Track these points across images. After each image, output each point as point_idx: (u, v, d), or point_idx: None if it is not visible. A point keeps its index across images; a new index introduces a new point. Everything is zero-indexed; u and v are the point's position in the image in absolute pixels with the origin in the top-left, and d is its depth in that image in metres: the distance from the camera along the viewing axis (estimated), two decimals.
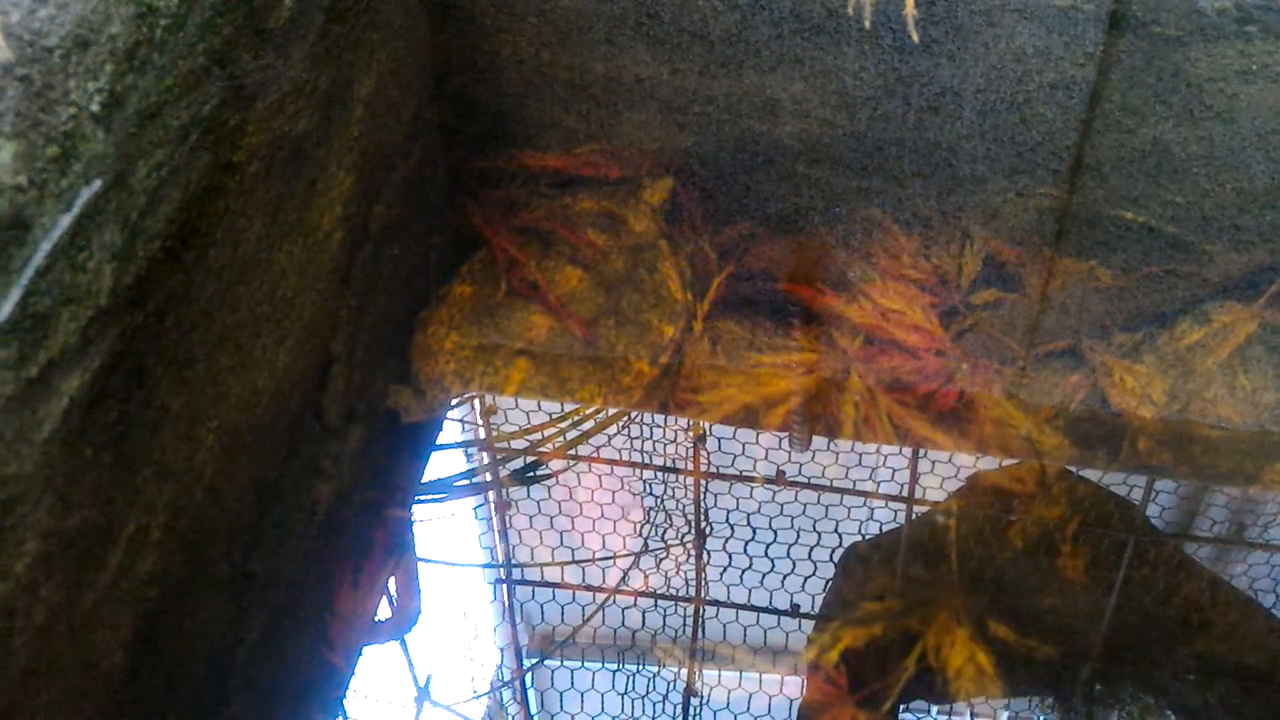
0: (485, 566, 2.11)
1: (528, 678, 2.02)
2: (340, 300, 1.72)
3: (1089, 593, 1.90)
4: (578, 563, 2.04)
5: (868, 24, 1.82)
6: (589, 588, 2.01)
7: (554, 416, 2.09)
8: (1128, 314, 2.02)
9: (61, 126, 1.11)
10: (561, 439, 2.08)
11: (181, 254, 1.29)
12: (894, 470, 2.06)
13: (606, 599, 1.99)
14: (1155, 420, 1.91)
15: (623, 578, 2.01)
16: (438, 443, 2.10)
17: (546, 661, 2.00)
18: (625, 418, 2.08)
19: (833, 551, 2.02)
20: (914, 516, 2.01)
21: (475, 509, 2.12)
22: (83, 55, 1.14)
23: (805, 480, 2.05)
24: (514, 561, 2.08)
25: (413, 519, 2.02)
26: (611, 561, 2.04)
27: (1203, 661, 1.84)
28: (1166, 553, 1.97)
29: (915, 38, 1.82)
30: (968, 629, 1.80)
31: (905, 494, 2.03)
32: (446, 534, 2.08)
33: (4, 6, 1.08)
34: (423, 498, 2.07)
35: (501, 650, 2.03)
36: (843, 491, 2.05)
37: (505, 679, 2.02)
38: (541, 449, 2.08)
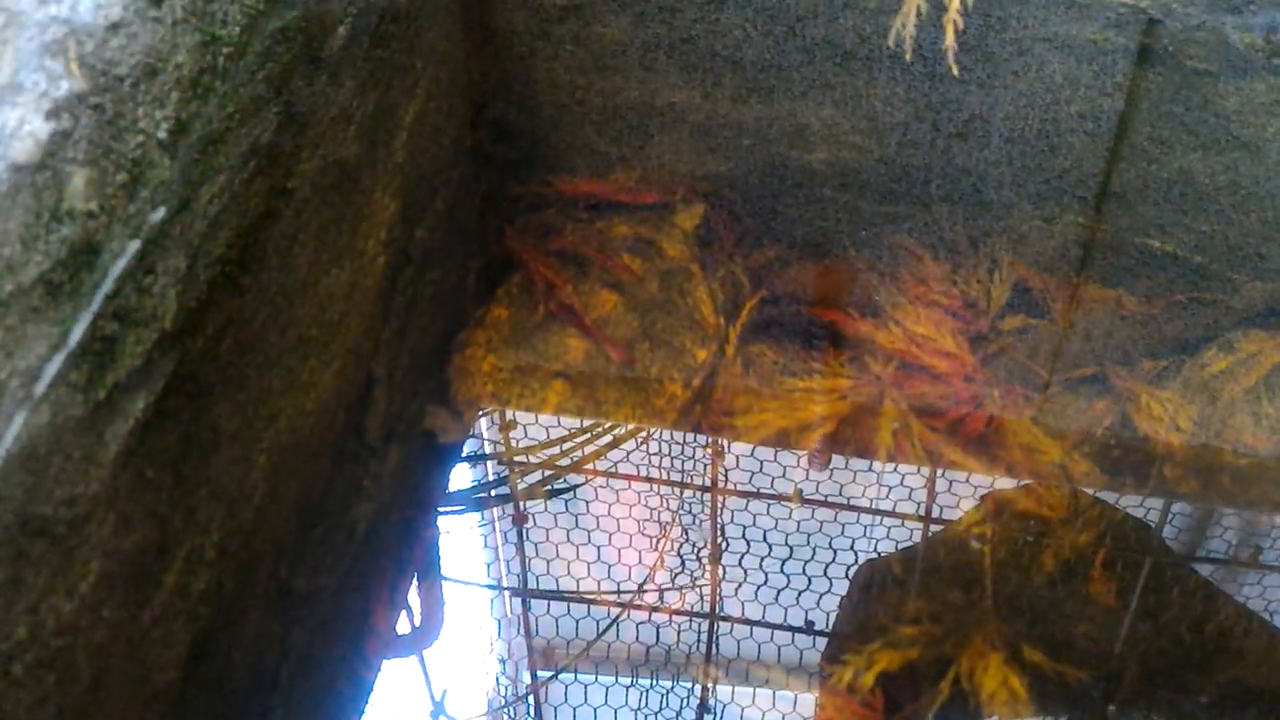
0: (498, 587, 2.12)
1: (541, 692, 2.03)
2: (383, 323, 1.74)
3: (1104, 615, 1.91)
4: (592, 578, 2.05)
5: (909, 56, 1.84)
6: (604, 602, 2.02)
7: (571, 431, 2.10)
8: (1153, 341, 2.04)
9: (130, 154, 1.13)
10: (579, 454, 2.09)
11: (239, 278, 1.31)
12: (911, 490, 2.08)
13: (621, 614, 2.01)
14: (1183, 447, 1.92)
15: (636, 592, 2.02)
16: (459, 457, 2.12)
17: (560, 676, 2.01)
18: (644, 434, 2.09)
19: (848, 569, 2.03)
20: (930, 535, 2.03)
21: (491, 523, 2.13)
22: (151, 84, 1.16)
23: (822, 498, 2.07)
24: (530, 575, 2.09)
25: (439, 534, 2.04)
26: (626, 576, 2.05)
27: (1230, 687, 1.85)
28: (1184, 575, 1.98)
29: (955, 71, 1.85)
30: (987, 648, 1.81)
31: (922, 513, 2.05)
32: (463, 548, 2.10)
33: (79, 36, 1.10)
34: (443, 511, 2.08)
35: (517, 665, 2.04)
36: (860, 510, 2.07)
37: (517, 693, 2.03)
38: (559, 463, 2.10)
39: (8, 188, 1.01)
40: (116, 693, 1.21)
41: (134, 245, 1.14)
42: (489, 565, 2.13)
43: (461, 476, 2.14)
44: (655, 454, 2.12)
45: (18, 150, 1.03)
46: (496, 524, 2.13)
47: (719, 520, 2.08)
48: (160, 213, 1.17)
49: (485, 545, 2.13)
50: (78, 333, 1.08)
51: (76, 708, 1.14)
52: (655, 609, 2.00)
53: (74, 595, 1.12)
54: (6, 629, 1.03)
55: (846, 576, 2.02)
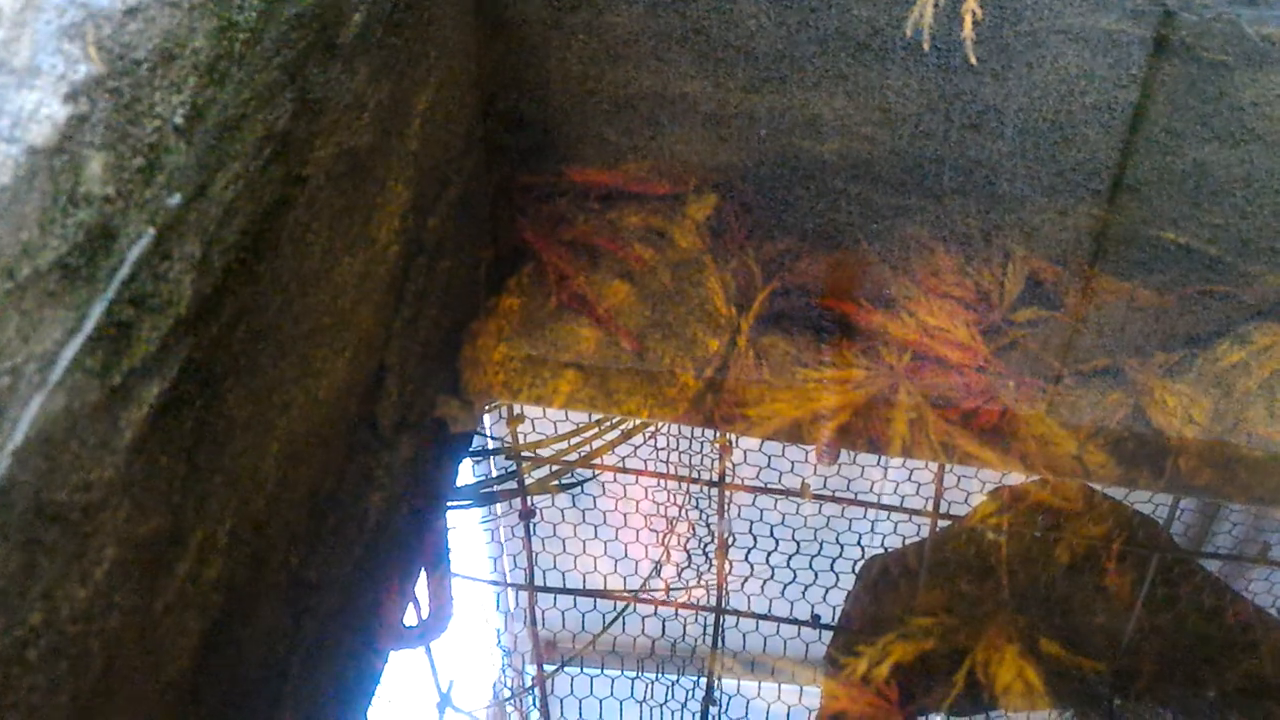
0: (503, 583, 2.11)
1: (547, 684, 2.02)
2: (395, 312, 1.74)
3: (1118, 608, 1.91)
4: (599, 572, 2.05)
5: (926, 46, 1.84)
6: (611, 595, 2.01)
7: (579, 426, 2.10)
8: (1167, 334, 2.03)
9: (147, 138, 1.13)
10: (587, 448, 2.09)
11: (253, 266, 1.31)
12: (919, 485, 2.07)
13: (627, 607, 2.00)
14: (1197, 440, 1.92)
15: (642, 586, 2.02)
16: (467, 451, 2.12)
17: (566, 668, 2.01)
18: (652, 428, 2.09)
19: (855, 564, 2.02)
20: (939, 529, 2.02)
21: (497, 516, 2.13)
22: (168, 68, 1.15)
23: (830, 494, 2.06)
24: (537, 569, 2.09)
25: (448, 526, 2.03)
26: (633, 570, 2.05)
27: (1244, 681, 1.84)
28: (1193, 571, 1.98)
29: (973, 60, 1.84)
30: (1002, 639, 1.81)
31: (929, 509, 2.04)
32: (471, 542, 2.09)
33: (97, 20, 1.10)
34: (452, 504, 2.08)
35: (523, 656, 2.03)
36: (868, 505, 2.06)
37: (523, 686, 2.02)
38: (567, 458, 2.09)
39: (25, 171, 1.00)
40: (129, 680, 1.20)
41: (150, 231, 1.13)
42: (495, 559, 2.13)
43: (469, 471, 2.14)
44: (663, 449, 2.12)
45: (35, 133, 1.02)
46: (503, 518, 2.13)
47: (726, 515, 2.07)
48: (176, 198, 1.17)
49: (492, 539, 2.13)
50: (94, 318, 1.08)
51: (89, 694, 1.13)
52: (662, 602, 2.00)
53: (88, 582, 1.11)
54: (21, 614, 1.02)
55: (853, 571, 2.02)
